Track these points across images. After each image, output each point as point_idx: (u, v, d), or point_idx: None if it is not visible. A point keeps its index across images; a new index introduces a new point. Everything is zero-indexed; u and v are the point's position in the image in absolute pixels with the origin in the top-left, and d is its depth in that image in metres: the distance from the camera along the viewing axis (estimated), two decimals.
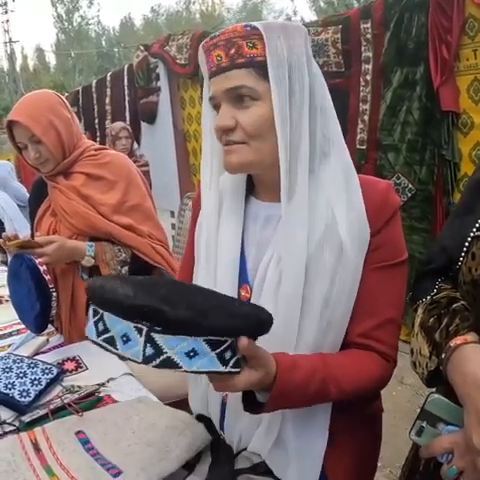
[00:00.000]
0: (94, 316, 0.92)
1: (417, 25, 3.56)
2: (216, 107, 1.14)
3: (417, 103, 3.68)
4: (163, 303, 0.84)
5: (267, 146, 1.11)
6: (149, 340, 0.85)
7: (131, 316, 0.86)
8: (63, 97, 2.03)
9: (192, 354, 0.85)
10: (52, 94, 2.01)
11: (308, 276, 1.09)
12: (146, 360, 0.86)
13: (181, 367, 0.85)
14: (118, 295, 0.87)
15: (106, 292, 0.89)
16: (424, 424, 0.99)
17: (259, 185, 1.25)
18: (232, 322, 0.89)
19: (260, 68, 1.07)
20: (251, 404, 1.05)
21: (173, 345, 0.85)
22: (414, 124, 3.72)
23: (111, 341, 0.88)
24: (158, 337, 0.85)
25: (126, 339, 0.86)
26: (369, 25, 3.84)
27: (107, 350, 0.89)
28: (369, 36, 3.86)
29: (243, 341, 0.89)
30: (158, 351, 0.85)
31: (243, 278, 1.20)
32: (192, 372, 0.87)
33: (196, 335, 0.85)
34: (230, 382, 0.94)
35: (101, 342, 0.90)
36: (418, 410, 1.04)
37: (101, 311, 0.91)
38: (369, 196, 1.13)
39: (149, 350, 0.85)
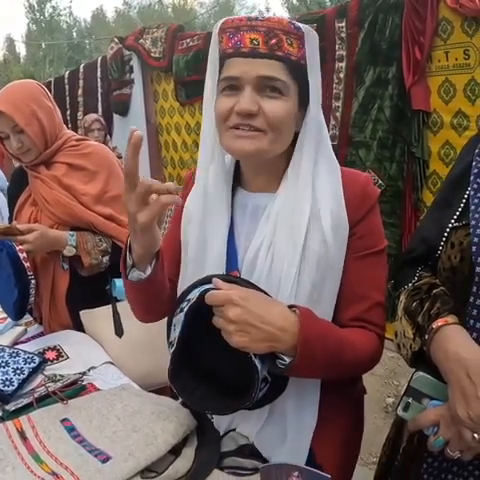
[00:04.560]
0: None
1: (391, 26, 3.61)
2: (232, 88, 1.11)
3: (389, 102, 3.73)
4: None
5: (282, 139, 1.13)
6: None
7: None
8: (45, 87, 2.02)
9: None
10: (34, 84, 2.00)
11: (300, 261, 1.14)
12: None
13: None
14: None
15: None
16: (410, 400, 1.07)
17: (249, 175, 1.25)
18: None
19: (292, 66, 1.09)
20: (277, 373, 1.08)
21: None
22: (385, 122, 3.78)
23: None
24: None
25: None
26: (344, 24, 3.88)
27: None
28: (343, 35, 3.90)
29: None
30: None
31: (233, 265, 1.22)
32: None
33: None
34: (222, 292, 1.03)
35: None
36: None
37: None
38: (351, 187, 1.18)
39: None
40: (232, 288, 1.04)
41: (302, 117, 1.15)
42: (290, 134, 1.15)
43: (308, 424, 1.21)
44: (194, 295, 1.05)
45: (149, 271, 1.17)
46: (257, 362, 1.02)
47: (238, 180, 1.28)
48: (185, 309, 1.04)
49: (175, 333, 1.07)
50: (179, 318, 1.07)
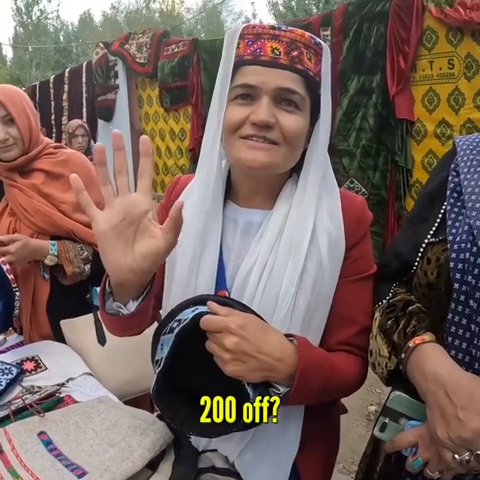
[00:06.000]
0: None
1: (376, 35, 3.65)
2: (246, 96, 1.07)
3: (372, 110, 3.77)
4: None
5: (293, 154, 1.11)
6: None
7: None
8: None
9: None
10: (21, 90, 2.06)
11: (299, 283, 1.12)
12: None
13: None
14: None
15: None
16: (387, 420, 1.06)
17: (244, 190, 1.21)
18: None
19: (309, 82, 1.07)
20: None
21: None
22: (369, 130, 3.82)
23: None
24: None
25: None
26: (329, 32, 3.92)
27: None
28: (328, 43, 3.93)
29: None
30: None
31: (221, 284, 1.18)
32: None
33: None
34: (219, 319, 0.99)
35: None
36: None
37: None
38: (348, 210, 1.16)
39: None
40: (229, 314, 1.00)
41: (309, 134, 1.14)
42: (301, 150, 1.13)
43: (291, 445, 1.20)
44: (186, 316, 1.00)
45: (131, 307, 1.07)
46: (250, 390, 0.99)
47: (227, 193, 1.23)
48: (176, 330, 0.99)
49: (162, 353, 1.02)
50: (168, 338, 1.02)
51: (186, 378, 1.09)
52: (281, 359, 1.01)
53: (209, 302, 1.02)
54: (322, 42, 1.10)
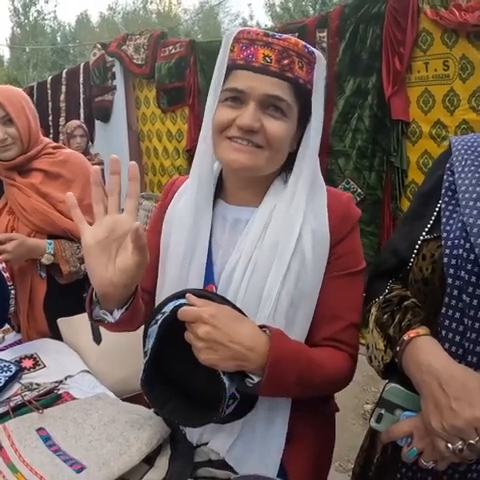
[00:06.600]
0: None
1: (372, 36, 3.65)
2: (235, 99, 1.11)
3: (368, 111, 3.78)
4: None
5: (276, 158, 1.14)
6: None
7: None
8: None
9: None
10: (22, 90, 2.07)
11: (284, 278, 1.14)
12: None
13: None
14: None
15: None
16: (383, 411, 1.07)
17: (234, 188, 1.24)
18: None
19: (298, 89, 1.10)
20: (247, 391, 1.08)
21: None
22: (365, 131, 3.82)
23: None
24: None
25: None
26: (325, 34, 3.92)
27: None
28: (324, 45, 3.94)
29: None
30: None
31: (210, 279, 1.21)
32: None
33: None
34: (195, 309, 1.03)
35: None
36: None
37: None
38: (334, 207, 1.18)
39: None
40: (205, 305, 1.04)
41: (298, 138, 1.16)
42: (285, 154, 1.16)
43: (278, 439, 1.21)
44: (168, 308, 1.06)
45: (116, 315, 1.12)
46: (225, 379, 1.02)
47: (218, 191, 1.27)
48: (159, 321, 1.05)
49: (149, 344, 1.07)
50: (153, 330, 1.06)
51: (174, 370, 1.13)
52: (253, 349, 1.03)
53: (187, 295, 1.07)
54: (316, 51, 1.12)
